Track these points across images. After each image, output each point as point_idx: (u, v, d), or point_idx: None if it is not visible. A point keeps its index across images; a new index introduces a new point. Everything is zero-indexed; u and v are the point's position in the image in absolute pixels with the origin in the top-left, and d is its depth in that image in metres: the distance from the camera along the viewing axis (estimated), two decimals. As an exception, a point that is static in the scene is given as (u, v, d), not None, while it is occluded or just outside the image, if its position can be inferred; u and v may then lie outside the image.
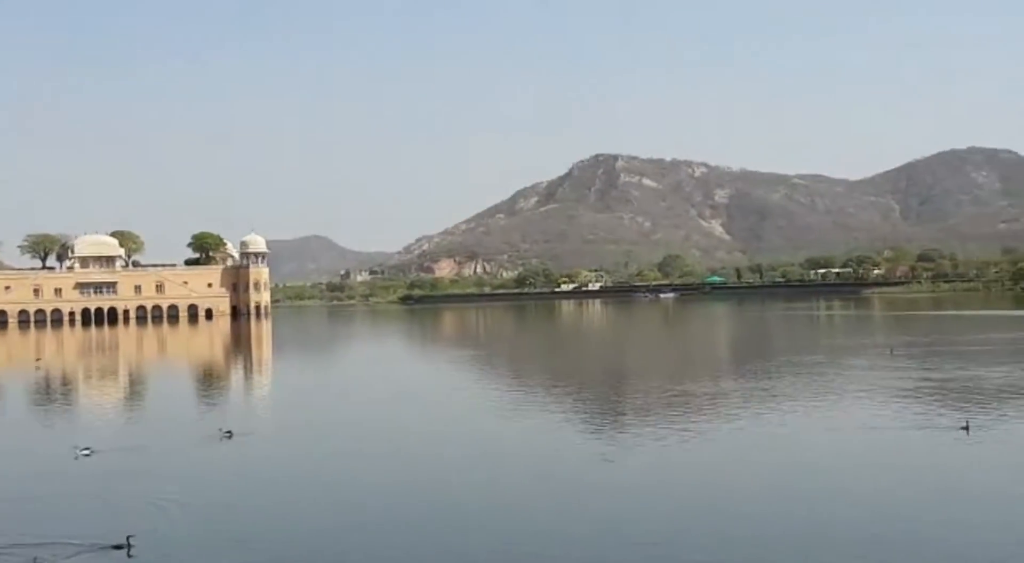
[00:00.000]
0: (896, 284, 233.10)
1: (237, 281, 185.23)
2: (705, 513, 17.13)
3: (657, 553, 14.79)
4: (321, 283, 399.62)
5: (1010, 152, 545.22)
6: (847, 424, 26.72)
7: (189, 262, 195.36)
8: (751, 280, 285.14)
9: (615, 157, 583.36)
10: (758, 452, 22.95)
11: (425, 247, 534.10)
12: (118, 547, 15.08)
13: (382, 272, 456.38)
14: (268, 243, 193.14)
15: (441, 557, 14.87)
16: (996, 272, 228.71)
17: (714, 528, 16.04)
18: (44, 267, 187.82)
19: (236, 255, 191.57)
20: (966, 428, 24.49)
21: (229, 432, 27.00)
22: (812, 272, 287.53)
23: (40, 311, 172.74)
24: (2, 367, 69.37)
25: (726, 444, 24.05)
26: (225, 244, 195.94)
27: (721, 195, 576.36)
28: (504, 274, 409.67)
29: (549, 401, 34.98)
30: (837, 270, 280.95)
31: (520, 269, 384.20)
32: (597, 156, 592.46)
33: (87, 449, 24.54)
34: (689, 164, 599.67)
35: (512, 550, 15.12)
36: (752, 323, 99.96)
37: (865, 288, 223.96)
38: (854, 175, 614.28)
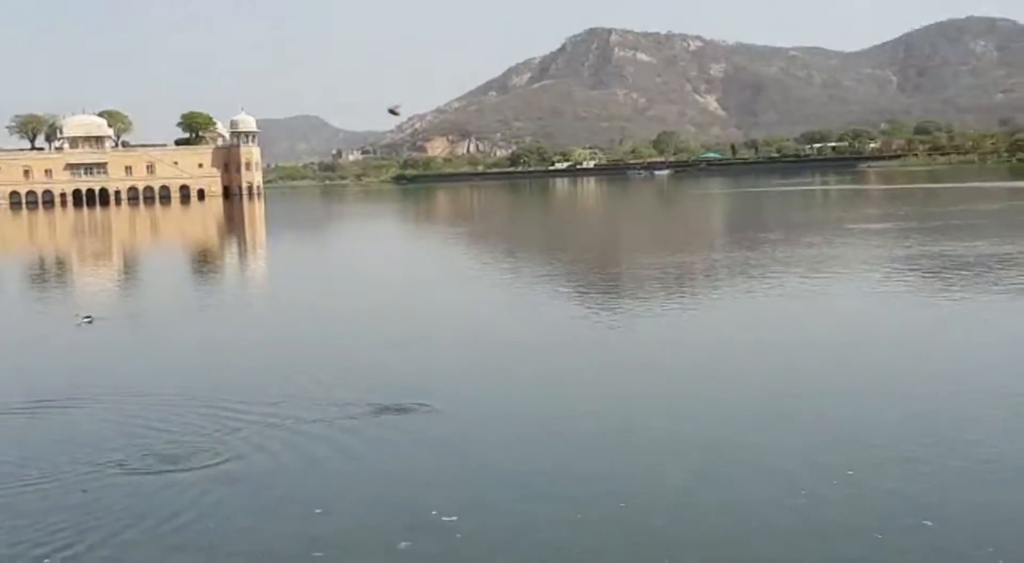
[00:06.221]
0: (892, 157, 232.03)
1: (228, 161, 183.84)
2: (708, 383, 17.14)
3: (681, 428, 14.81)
4: (313, 163, 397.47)
5: (1008, 20, 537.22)
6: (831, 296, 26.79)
7: (179, 142, 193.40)
8: (746, 156, 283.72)
9: (609, 31, 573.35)
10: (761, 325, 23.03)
11: (417, 126, 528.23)
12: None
13: (374, 151, 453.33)
14: (259, 123, 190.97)
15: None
16: (992, 144, 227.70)
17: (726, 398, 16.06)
18: (33, 148, 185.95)
19: (227, 135, 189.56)
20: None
21: (89, 317, 25.19)
22: (808, 147, 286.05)
23: (31, 192, 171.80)
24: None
25: (733, 316, 24.11)
26: (215, 124, 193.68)
27: (716, 70, 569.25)
28: (497, 153, 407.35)
29: (544, 275, 35.07)
30: (833, 144, 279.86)
31: (514, 148, 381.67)
32: (591, 30, 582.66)
33: (88, 317, 24.83)
34: (684, 38, 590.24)
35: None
36: (747, 199, 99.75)
37: (861, 162, 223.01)
38: (851, 47, 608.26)
